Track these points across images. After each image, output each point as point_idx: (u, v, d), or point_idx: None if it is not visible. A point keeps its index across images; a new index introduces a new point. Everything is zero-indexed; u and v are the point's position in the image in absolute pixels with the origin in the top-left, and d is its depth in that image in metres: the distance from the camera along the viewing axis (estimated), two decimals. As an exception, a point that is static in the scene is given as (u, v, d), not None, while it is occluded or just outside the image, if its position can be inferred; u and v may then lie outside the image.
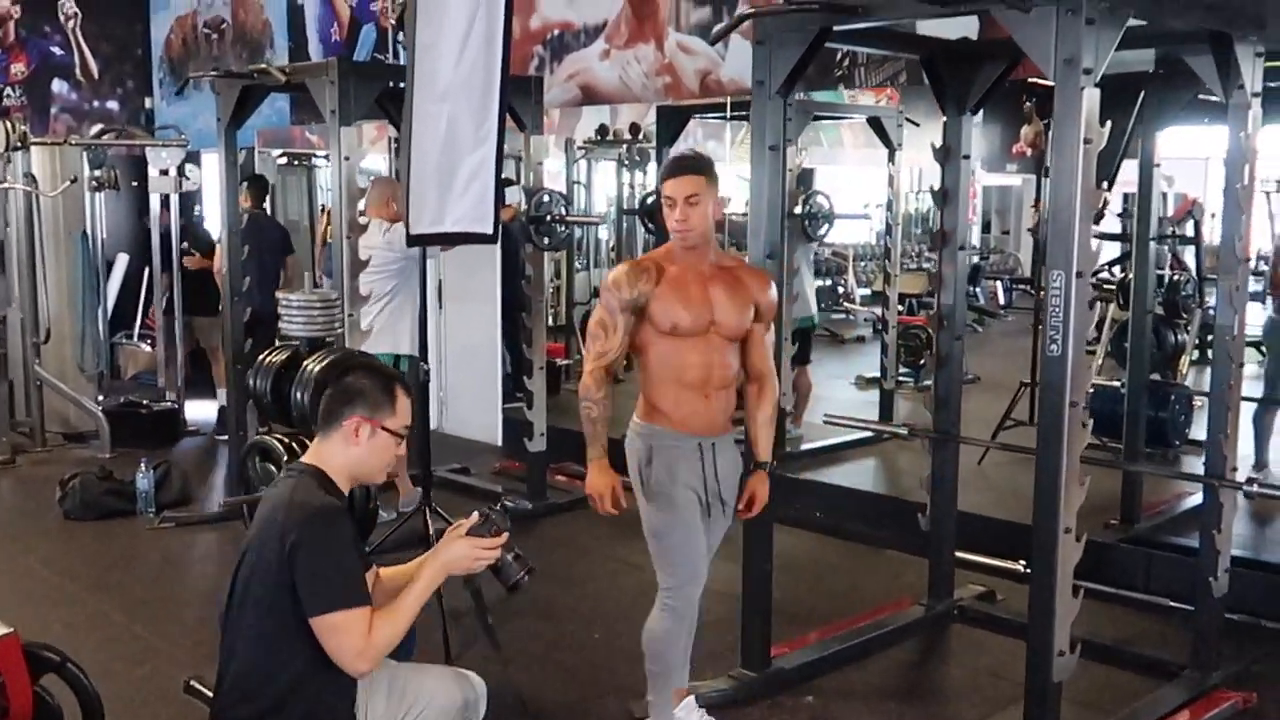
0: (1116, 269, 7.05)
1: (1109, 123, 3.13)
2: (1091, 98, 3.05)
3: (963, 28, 4.45)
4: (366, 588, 2.62)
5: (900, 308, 8.01)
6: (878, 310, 8.74)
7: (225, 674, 2.64)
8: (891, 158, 7.35)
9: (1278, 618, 4.50)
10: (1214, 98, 3.85)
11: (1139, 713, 3.77)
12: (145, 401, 7.91)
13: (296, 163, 10.96)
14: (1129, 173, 5.47)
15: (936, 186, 4.45)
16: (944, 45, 4.34)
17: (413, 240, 4.46)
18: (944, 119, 4.40)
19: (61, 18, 10.30)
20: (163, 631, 4.56)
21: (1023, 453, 3.89)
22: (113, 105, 10.41)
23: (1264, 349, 6.23)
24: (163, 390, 8.50)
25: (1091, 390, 4.13)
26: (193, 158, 8.62)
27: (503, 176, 4.72)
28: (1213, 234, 5.66)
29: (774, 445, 3.53)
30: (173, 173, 7.97)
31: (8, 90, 10.33)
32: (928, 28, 4.31)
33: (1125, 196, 6.40)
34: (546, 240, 6.05)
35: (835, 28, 3.67)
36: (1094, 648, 3.76)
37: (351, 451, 2.68)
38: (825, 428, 5.92)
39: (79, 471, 6.14)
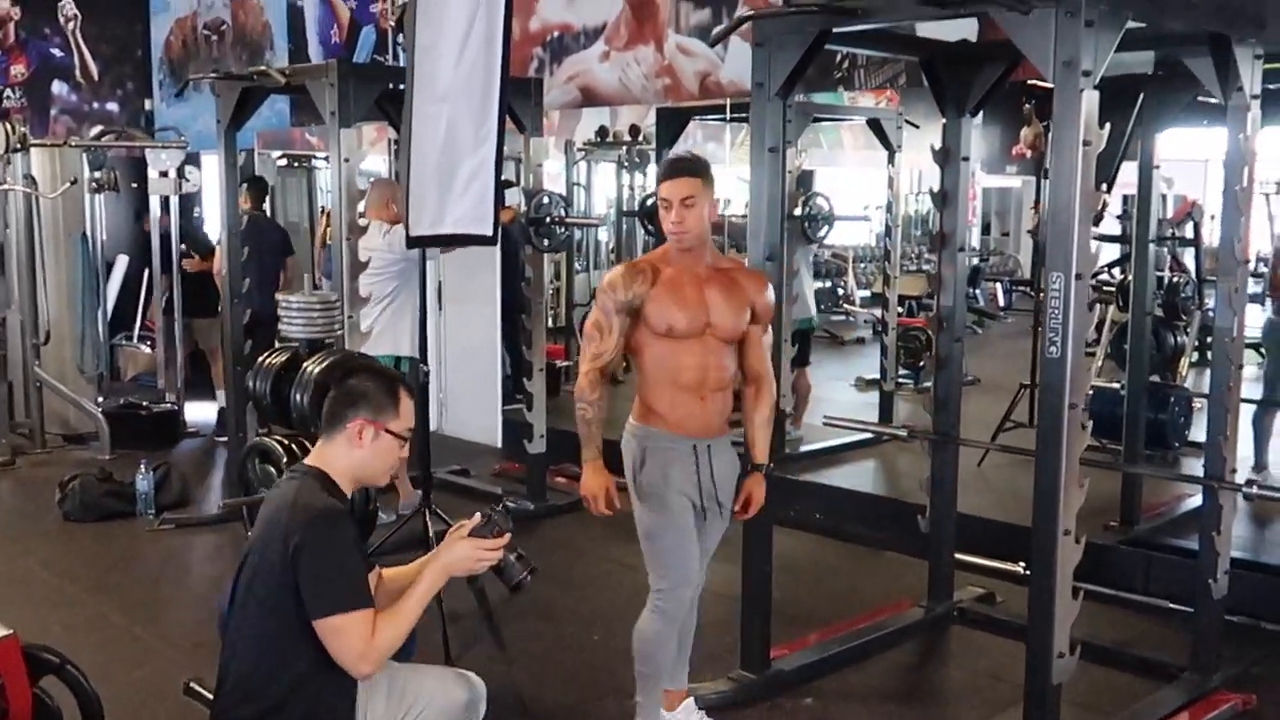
0: (1116, 271, 7.05)
1: (1108, 125, 3.13)
2: (1090, 100, 3.05)
3: (962, 30, 4.45)
4: (369, 590, 2.62)
5: (900, 309, 8.01)
6: (877, 312, 8.74)
7: (227, 674, 2.65)
8: (891, 159, 7.36)
9: (1277, 620, 4.50)
10: (1213, 100, 3.85)
11: (1138, 715, 3.77)
12: (145, 403, 7.91)
13: (296, 164, 10.97)
14: (1128, 175, 5.48)
15: (936, 188, 4.45)
16: (943, 47, 4.34)
17: (412, 242, 4.47)
18: (943, 121, 4.40)
19: (61, 19, 10.31)
20: (162, 633, 4.56)
21: (1022, 454, 3.89)
22: (112, 107, 10.41)
23: (1263, 351, 6.24)
24: (162, 392, 8.50)
25: (1091, 392, 4.14)
26: (192, 159, 8.62)
27: (502, 178, 4.73)
28: (1212, 236, 5.66)
29: (772, 447, 3.53)
30: (172, 174, 7.98)
31: (8, 92, 10.33)
32: (927, 30, 4.32)
33: (1125, 198, 6.40)
34: (546, 242, 6.06)
35: (835, 30, 3.67)
36: (1093, 650, 3.75)
37: (355, 454, 2.68)
38: (825, 429, 5.92)
39: (79, 473, 6.14)
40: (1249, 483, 3.89)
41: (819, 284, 11.61)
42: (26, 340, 7.41)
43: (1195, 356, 6.80)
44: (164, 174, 8.00)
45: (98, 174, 7.78)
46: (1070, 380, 3.14)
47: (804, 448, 6.93)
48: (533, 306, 6.11)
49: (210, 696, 2.80)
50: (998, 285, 13.27)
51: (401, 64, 5.20)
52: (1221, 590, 3.91)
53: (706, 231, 3.36)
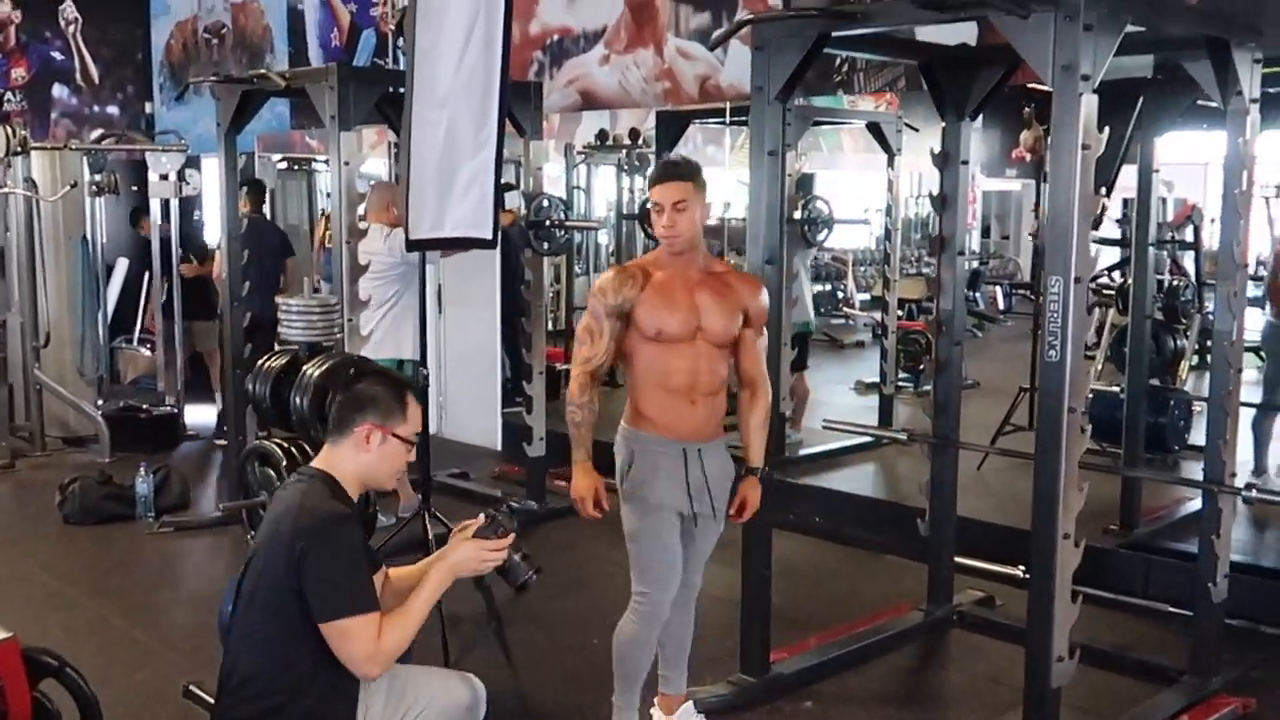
0: (1116, 274, 7.06)
1: (1107, 128, 3.13)
2: (1089, 104, 3.05)
3: (961, 34, 4.46)
4: (375, 593, 2.63)
5: (900, 313, 8.01)
6: (877, 315, 8.75)
7: (230, 674, 2.65)
8: (891, 163, 7.36)
9: (1277, 623, 4.50)
10: (1212, 103, 3.85)
11: (1138, 719, 3.77)
12: (145, 406, 7.92)
13: (296, 167, 10.98)
14: (1128, 178, 5.48)
15: (935, 192, 4.46)
16: (943, 51, 4.34)
17: (412, 245, 4.47)
18: (943, 124, 4.40)
19: (62, 23, 10.31)
20: (162, 636, 4.56)
21: (1022, 458, 3.89)
22: (113, 110, 10.42)
23: (1263, 354, 6.24)
24: (162, 395, 8.51)
25: (1091, 395, 4.14)
26: (193, 162, 8.62)
27: (502, 181, 4.73)
28: (1212, 239, 5.67)
29: (769, 450, 3.53)
30: (173, 177, 7.98)
31: (8, 95, 10.34)
32: (927, 34, 4.32)
33: (1125, 202, 6.41)
34: (546, 245, 6.06)
35: (834, 34, 3.67)
36: (1093, 653, 3.75)
37: (362, 458, 2.69)
38: (825, 433, 5.92)
39: (78, 476, 6.14)
40: (1248, 486, 3.90)
41: (818, 287, 11.63)
42: (26, 343, 7.41)
43: (1195, 360, 6.80)
44: (164, 177, 8.00)
45: (98, 177, 7.79)
46: (1069, 384, 3.14)
47: (804, 451, 6.93)
48: (532, 309, 6.11)
49: (209, 699, 2.81)
50: (997, 288, 13.28)
51: (401, 67, 5.21)
52: (1221, 594, 3.91)
53: (698, 235, 3.36)
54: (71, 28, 10.29)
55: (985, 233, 15.32)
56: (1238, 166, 3.77)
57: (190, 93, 8.77)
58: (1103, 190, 4.66)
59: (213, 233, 8.72)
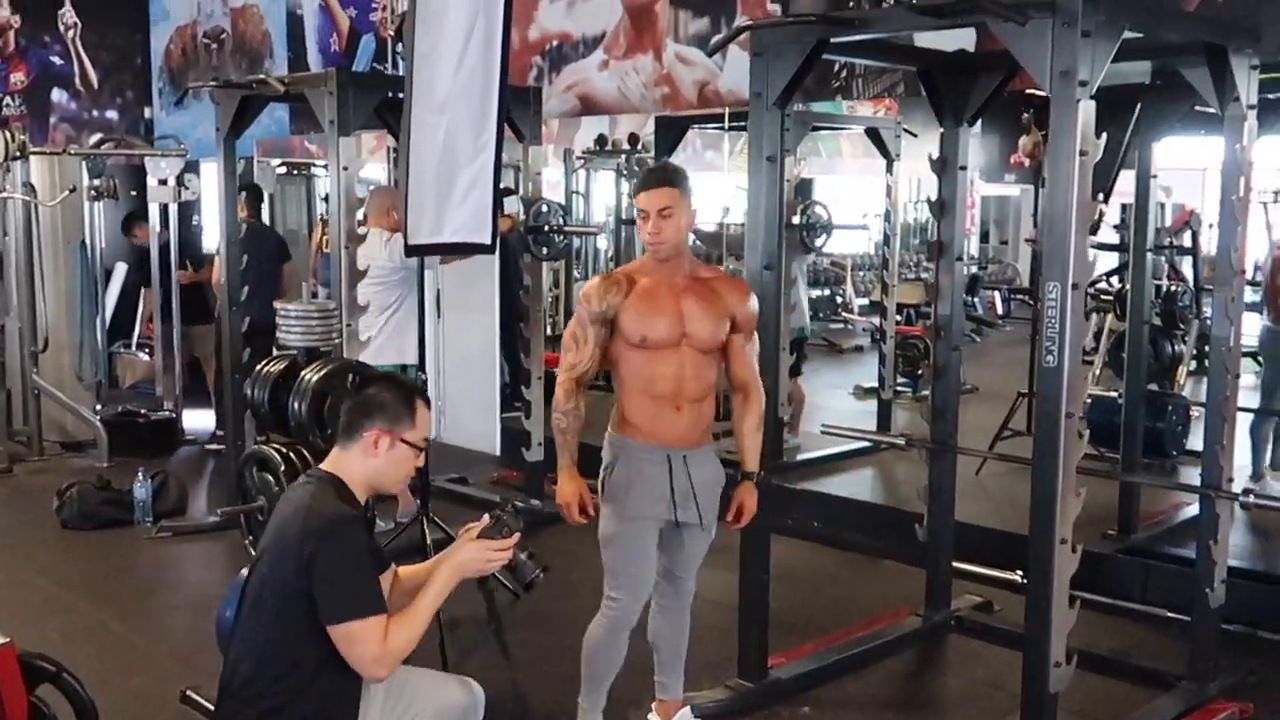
0: (1114, 279, 7.07)
1: (1105, 134, 3.14)
2: (1087, 110, 3.06)
3: (960, 40, 4.46)
4: (382, 596, 2.63)
5: (898, 318, 8.03)
6: (875, 320, 8.76)
7: (232, 677, 2.65)
8: (889, 168, 7.37)
9: (1275, 628, 4.50)
10: (1210, 109, 3.86)
11: (1136, 723, 3.78)
12: (143, 411, 7.91)
13: (296, 172, 10.99)
14: (1126, 184, 5.49)
15: (934, 197, 4.46)
16: (941, 57, 4.35)
17: (411, 250, 4.47)
18: (941, 130, 4.41)
19: (61, 27, 10.32)
20: (159, 641, 4.56)
21: (1020, 463, 3.90)
22: (112, 115, 10.41)
23: (1260, 359, 6.25)
24: (160, 399, 8.50)
25: (1088, 400, 4.14)
26: (192, 167, 8.63)
27: (501, 186, 4.73)
28: (1210, 244, 5.68)
29: (764, 454, 3.53)
30: (171, 183, 7.98)
31: (7, 99, 10.35)
32: (925, 40, 4.33)
33: (1123, 207, 6.42)
34: (545, 250, 6.07)
35: (832, 40, 3.68)
36: (1091, 658, 3.76)
37: (370, 463, 2.70)
38: (823, 438, 5.93)
39: (76, 481, 6.13)
40: (1246, 492, 3.91)
41: (816, 292, 11.65)
42: (25, 348, 7.41)
43: (1193, 365, 6.82)
44: (163, 182, 8.00)
45: (97, 182, 7.78)
46: (1067, 389, 3.14)
47: (802, 456, 6.93)
48: (531, 314, 6.12)
49: (207, 705, 2.81)
50: (996, 293, 13.31)
51: (401, 72, 5.21)
52: (1218, 599, 3.91)
53: (685, 241, 3.37)
54: (71, 32, 10.30)
55: (984, 238, 15.35)
56: (1235, 172, 3.78)
57: (189, 98, 8.77)
58: (1100, 195, 4.67)
59: (211, 238, 8.71)
